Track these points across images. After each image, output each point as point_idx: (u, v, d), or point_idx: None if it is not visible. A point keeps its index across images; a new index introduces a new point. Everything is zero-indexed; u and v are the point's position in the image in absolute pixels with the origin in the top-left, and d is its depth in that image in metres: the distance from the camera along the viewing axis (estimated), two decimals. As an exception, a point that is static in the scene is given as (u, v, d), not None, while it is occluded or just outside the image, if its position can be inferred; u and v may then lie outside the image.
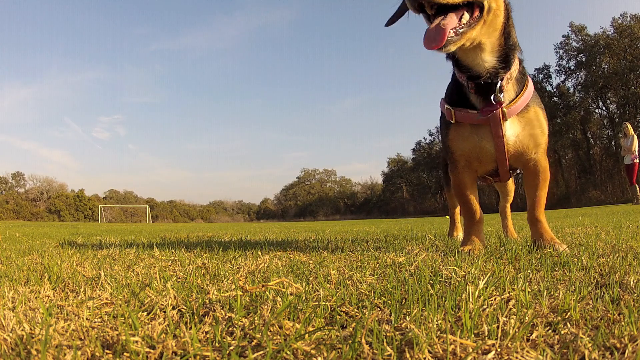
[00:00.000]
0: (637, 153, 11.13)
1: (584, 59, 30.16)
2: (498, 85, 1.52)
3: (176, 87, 72.25)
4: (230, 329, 0.76)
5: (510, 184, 2.46)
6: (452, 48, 1.37)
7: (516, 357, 0.61)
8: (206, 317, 0.83)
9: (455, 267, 1.31)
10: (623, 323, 0.71)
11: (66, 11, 63.74)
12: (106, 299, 1.02)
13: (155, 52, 69.98)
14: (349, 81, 71.21)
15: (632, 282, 1.02)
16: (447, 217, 2.98)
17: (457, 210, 2.62)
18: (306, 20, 68.29)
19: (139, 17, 69.73)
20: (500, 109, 1.53)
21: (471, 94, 1.60)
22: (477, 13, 1.41)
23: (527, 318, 0.76)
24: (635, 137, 11.18)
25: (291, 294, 0.97)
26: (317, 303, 0.88)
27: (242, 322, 0.79)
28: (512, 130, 1.60)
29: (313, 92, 72.65)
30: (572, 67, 31.34)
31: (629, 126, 11.35)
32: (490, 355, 0.61)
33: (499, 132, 1.57)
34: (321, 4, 66.53)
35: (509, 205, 2.57)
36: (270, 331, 0.73)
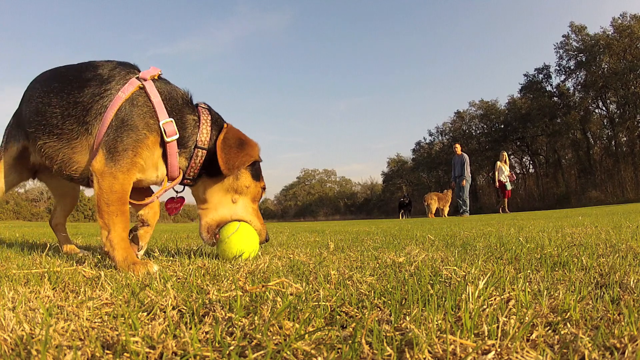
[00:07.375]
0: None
1: (584, 59, 30.16)
2: None
3: (172, 91, 72.80)
4: (230, 329, 0.76)
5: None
6: None
7: (516, 357, 0.61)
8: (206, 317, 0.83)
9: (455, 267, 1.31)
10: (623, 323, 0.71)
11: (67, 20, 64.51)
12: (106, 299, 1.02)
13: (152, 57, 70.79)
14: (348, 82, 71.29)
15: (632, 282, 1.02)
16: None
17: None
18: (301, 24, 68.46)
19: (137, 24, 70.33)
20: None
21: None
22: None
23: (527, 318, 0.76)
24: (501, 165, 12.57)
25: (291, 294, 0.97)
26: (317, 303, 0.88)
27: (242, 322, 0.79)
28: None
29: (312, 93, 72.80)
30: (572, 67, 31.34)
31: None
32: (490, 355, 0.61)
33: None
34: (315, 8, 66.74)
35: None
36: (270, 331, 0.73)
